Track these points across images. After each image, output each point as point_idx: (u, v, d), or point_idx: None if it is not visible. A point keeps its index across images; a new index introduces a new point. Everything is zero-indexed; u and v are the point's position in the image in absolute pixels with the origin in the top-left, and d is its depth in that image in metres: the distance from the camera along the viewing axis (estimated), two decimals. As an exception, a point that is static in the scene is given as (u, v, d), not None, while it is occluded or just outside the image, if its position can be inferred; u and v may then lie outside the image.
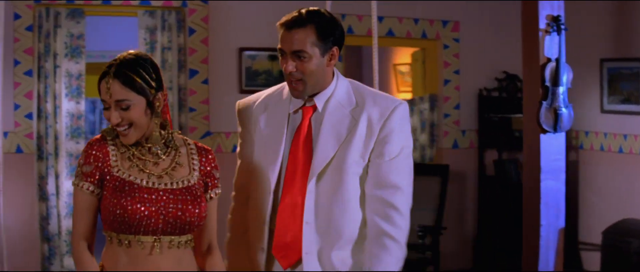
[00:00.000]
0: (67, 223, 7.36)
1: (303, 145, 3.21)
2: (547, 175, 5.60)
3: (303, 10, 3.15)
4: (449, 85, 8.38)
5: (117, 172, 2.91)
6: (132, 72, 2.87)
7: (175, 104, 7.55)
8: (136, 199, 2.86)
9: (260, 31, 7.68)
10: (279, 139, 3.24)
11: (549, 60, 5.54)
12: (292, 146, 3.23)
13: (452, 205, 8.05)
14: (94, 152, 2.92)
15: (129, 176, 2.91)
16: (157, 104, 2.94)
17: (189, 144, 3.10)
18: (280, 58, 3.18)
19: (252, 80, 7.70)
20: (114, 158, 2.93)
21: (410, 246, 7.09)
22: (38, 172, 7.32)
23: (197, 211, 2.96)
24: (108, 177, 2.90)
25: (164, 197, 2.92)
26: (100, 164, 2.91)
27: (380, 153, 3.17)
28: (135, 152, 2.97)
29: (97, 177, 2.90)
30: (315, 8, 3.19)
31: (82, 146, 7.44)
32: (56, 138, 7.36)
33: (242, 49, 7.68)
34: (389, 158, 3.15)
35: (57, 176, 7.35)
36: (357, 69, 10.59)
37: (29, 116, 7.26)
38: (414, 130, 8.40)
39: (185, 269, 2.98)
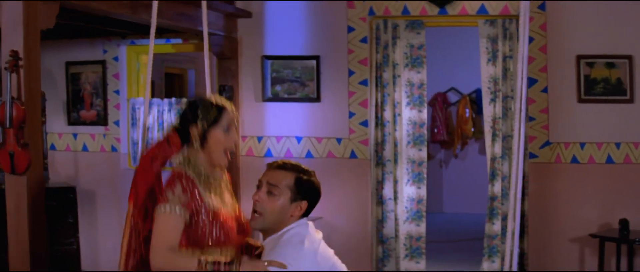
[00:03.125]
0: (407, 228, 7.66)
1: None
2: None
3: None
4: None
5: (209, 204, 3.37)
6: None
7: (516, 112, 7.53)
8: (229, 225, 3.42)
9: (598, 38, 7.42)
10: None
11: None
12: None
13: None
14: (189, 186, 3.35)
15: (216, 206, 3.40)
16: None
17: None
18: None
19: (591, 89, 7.47)
20: (201, 191, 3.39)
21: None
22: (375, 177, 7.69)
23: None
24: (203, 209, 3.35)
25: (234, 222, 3.50)
26: (195, 197, 3.35)
27: None
28: (211, 180, 3.47)
29: (192, 206, 3.32)
30: None
31: (423, 153, 7.72)
32: (395, 145, 7.67)
33: (580, 57, 7.48)
34: None
35: (396, 181, 7.68)
36: None
37: (364, 123, 7.68)
38: None
39: None
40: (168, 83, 10.43)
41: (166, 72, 10.45)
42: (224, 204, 3.45)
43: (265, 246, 3.39)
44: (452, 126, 11.91)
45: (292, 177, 3.37)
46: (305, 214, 3.45)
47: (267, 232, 3.40)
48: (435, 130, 11.29)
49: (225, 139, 3.43)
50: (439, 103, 11.66)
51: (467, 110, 11.79)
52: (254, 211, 3.38)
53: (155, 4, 4.97)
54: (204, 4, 5.50)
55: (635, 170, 7.46)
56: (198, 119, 3.41)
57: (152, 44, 5.08)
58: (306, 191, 3.41)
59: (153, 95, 9.15)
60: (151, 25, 4.95)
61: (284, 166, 3.40)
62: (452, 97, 12.09)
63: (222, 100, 3.46)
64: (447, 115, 11.79)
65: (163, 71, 10.31)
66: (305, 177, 3.42)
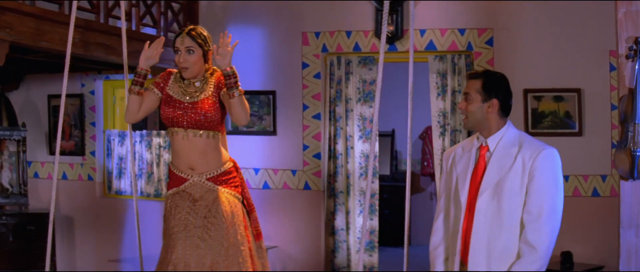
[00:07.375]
0: (357, 257, 7.86)
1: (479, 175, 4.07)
2: None
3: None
4: None
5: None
6: None
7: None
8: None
9: (546, 71, 7.54)
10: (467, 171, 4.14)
11: None
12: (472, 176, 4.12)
13: None
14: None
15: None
16: None
17: None
18: None
19: (538, 122, 7.57)
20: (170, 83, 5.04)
21: None
22: (327, 208, 7.93)
23: None
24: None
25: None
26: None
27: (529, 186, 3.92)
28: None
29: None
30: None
31: (376, 185, 7.94)
32: (348, 177, 7.91)
33: (527, 91, 7.60)
34: (534, 190, 3.90)
35: (348, 212, 7.90)
36: None
37: (318, 156, 7.93)
38: None
39: None
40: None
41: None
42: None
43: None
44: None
45: (480, 81, 4.02)
46: (503, 109, 4.07)
47: (475, 130, 4.11)
48: (425, 164, 11.37)
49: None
50: (429, 136, 11.76)
51: (457, 142, 11.81)
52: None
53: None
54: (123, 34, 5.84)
55: (583, 203, 7.50)
56: None
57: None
58: (493, 90, 4.01)
59: (146, 127, 9.57)
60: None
61: (473, 75, 4.09)
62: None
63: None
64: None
65: (154, 104, 10.71)
66: (490, 77, 4.06)
